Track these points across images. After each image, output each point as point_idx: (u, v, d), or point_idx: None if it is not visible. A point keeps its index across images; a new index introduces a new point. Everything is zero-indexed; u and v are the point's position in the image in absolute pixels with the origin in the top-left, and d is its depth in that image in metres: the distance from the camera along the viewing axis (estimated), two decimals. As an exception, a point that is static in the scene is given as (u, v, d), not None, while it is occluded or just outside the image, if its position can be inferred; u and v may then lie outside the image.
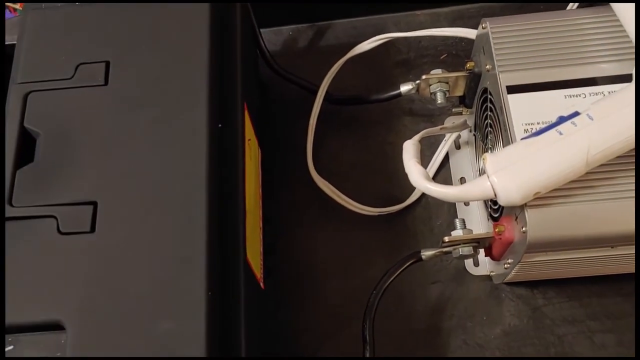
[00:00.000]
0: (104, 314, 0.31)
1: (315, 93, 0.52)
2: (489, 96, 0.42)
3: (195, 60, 0.37)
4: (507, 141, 0.38)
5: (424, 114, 0.54)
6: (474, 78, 0.45)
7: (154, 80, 0.37)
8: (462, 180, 0.51)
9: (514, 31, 0.41)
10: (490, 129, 0.43)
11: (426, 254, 0.42)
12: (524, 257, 0.38)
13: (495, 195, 0.35)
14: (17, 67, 0.38)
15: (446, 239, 0.41)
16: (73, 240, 0.33)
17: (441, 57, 0.56)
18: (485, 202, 0.47)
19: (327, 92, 0.52)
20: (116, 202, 0.34)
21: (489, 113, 0.43)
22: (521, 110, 0.38)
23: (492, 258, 0.43)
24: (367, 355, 0.39)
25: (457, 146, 0.52)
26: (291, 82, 0.52)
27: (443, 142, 0.51)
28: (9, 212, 0.34)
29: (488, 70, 0.41)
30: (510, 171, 0.35)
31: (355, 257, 0.49)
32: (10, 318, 0.31)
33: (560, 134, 0.34)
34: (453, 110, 0.50)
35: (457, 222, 0.42)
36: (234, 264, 0.34)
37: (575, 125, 0.34)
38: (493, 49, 0.40)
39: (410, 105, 0.54)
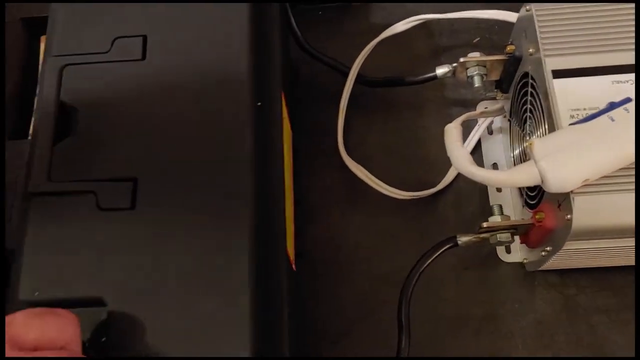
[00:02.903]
0: (145, 292, 0.31)
1: (346, 75, 0.51)
2: (530, 81, 0.41)
3: (236, 36, 0.36)
4: (552, 127, 0.37)
5: (456, 99, 0.53)
6: (513, 62, 0.44)
7: (192, 56, 0.36)
8: (495, 167, 0.50)
9: (560, 15, 0.40)
10: (530, 115, 0.42)
11: (462, 239, 0.41)
12: (566, 244, 0.37)
13: (543, 181, 0.34)
14: (51, 39, 0.37)
15: (484, 224, 0.40)
16: (113, 216, 0.32)
17: (474, 41, 0.55)
18: (520, 189, 0.46)
19: (358, 73, 0.51)
20: (156, 179, 0.33)
21: (529, 98, 0.42)
22: (567, 95, 0.38)
23: (528, 245, 0.42)
24: (404, 340, 0.39)
25: (490, 132, 0.51)
26: (322, 62, 0.51)
27: (476, 127, 0.50)
28: (48, 187, 0.33)
29: (531, 54, 0.41)
30: (559, 157, 0.34)
31: (384, 242, 0.49)
32: (51, 293, 0.31)
33: (612, 120, 0.33)
34: (487, 94, 0.49)
35: (495, 208, 0.42)
36: (276, 244, 0.34)
37: (628, 112, 0.33)
38: (538, 33, 0.39)
39: (442, 90, 0.53)
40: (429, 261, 0.41)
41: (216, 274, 0.31)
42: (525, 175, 0.35)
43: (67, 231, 0.32)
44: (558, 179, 0.34)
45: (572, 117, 0.37)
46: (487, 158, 0.50)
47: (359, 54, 0.52)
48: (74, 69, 0.36)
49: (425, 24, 0.55)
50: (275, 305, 0.32)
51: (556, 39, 0.39)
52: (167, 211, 0.32)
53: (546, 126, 0.39)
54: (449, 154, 0.39)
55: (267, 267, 0.32)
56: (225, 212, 0.32)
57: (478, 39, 0.55)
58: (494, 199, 0.49)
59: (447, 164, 0.51)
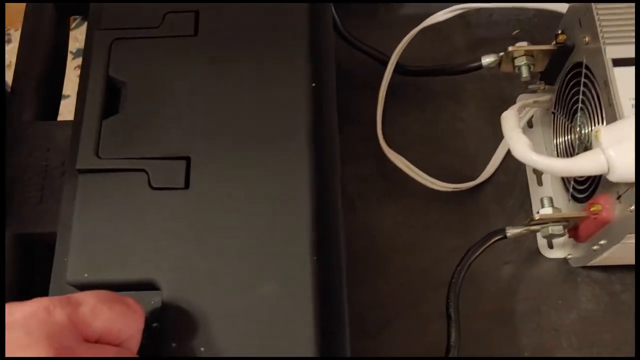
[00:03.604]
0: (200, 274, 0.29)
1: (384, 63, 0.50)
2: (584, 71, 0.40)
3: (293, 17, 0.35)
4: (612, 116, 0.36)
5: (495, 92, 0.52)
6: (562, 52, 0.43)
7: (246, 33, 0.35)
8: (535, 160, 0.49)
9: (619, 2, 0.39)
10: (582, 105, 0.41)
11: (511, 231, 0.40)
12: (626, 238, 0.36)
13: (609, 169, 0.33)
14: (97, 12, 0.36)
15: (536, 216, 0.39)
16: (166, 196, 0.31)
17: (513, 33, 0.54)
18: (565, 182, 0.45)
19: (397, 63, 0.49)
20: (211, 157, 0.32)
21: (582, 89, 0.41)
22: (627, 84, 0.37)
23: (578, 239, 0.41)
24: (453, 334, 0.38)
25: (530, 125, 0.50)
26: (361, 51, 0.50)
27: (516, 120, 0.49)
28: (96, 163, 0.32)
29: (586, 43, 0.40)
30: (626, 145, 0.33)
31: (423, 235, 0.47)
32: (102, 275, 0.29)
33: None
34: (529, 87, 0.48)
35: (545, 200, 0.41)
36: (333, 224, 0.32)
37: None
38: (597, 21, 0.38)
39: (480, 82, 0.52)
40: (478, 253, 0.40)
41: (276, 255, 0.30)
42: (589, 164, 0.34)
43: (117, 210, 0.31)
44: (625, 167, 0.33)
45: (632, 105, 0.36)
46: (528, 152, 0.49)
47: (394, 45, 0.50)
48: (123, 43, 0.35)
49: (463, 15, 0.53)
50: (335, 285, 0.31)
51: (616, 27, 0.38)
52: (223, 191, 0.31)
53: (603, 116, 0.38)
54: (507, 140, 0.37)
55: (326, 247, 0.31)
56: (283, 192, 0.31)
57: (517, 31, 0.54)
58: (534, 192, 0.48)
59: (486, 156, 0.50)
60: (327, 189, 0.32)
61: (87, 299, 0.25)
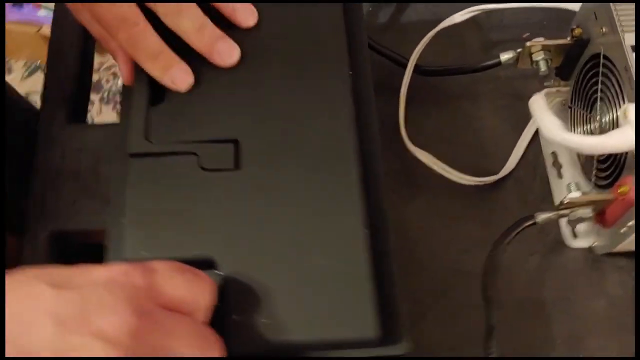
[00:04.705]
0: (256, 251, 0.30)
1: (401, 65, 0.51)
2: (602, 61, 0.42)
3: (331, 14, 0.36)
4: (632, 100, 0.38)
5: (509, 90, 0.54)
6: (577, 47, 0.45)
7: (290, 23, 0.36)
8: (554, 156, 0.50)
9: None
10: (602, 95, 0.43)
11: (541, 217, 0.41)
12: (655, 215, 0.37)
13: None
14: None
15: (565, 200, 0.40)
16: (217, 177, 0.32)
17: (523, 36, 0.56)
18: (584, 170, 0.46)
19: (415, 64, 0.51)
20: (258, 140, 0.33)
21: (600, 78, 0.43)
22: (647, 68, 0.38)
23: (605, 224, 0.42)
24: (493, 315, 0.38)
25: (546, 121, 0.51)
26: (380, 53, 0.51)
27: (532, 119, 0.51)
28: (147, 147, 0.32)
29: (603, 34, 0.41)
30: (655, 121, 0.34)
31: (449, 228, 0.48)
32: (160, 253, 0.30)
33: None
34: (545, 84, 0.50)
35: (572, 185, 0.42)
36: (377, 203, 0.33)
37: None
38: (614, 11, 0.40)
39: (495, 82, 0.54)
40: (510, 238, 0.41)
41: (328, 232, 0.30)
42: (620, 140, 0.35)
43: (169, 192, 0.32)
44: (656, 142, 0.34)
45: (654, 87, 0.37)
46: (546, 147, 0.50)
47: (410, 48, 0.52)
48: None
49: (475, 19, 0.56)
50: (387, 261, 0.31)
51: (632, 16, 0.40)
52: (273, 171, 0.32)
53: (625, 100, 0.39)
54: (538, 122, 0.39)
55: (376, 223, 0.32)
56: (332, 170, 0.31)
57: (528, 34, 0.55)
58: (555, 185, 0.49)
59: (505, 152, 0.51)
60: (371, 162, 0.33)
61: (162, 266, 0.25)
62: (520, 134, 0.51)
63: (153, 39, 0.32)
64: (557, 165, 0.50)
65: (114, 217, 0.31)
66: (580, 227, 0.47)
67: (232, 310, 0.28)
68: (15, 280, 0.23)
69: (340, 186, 0.31)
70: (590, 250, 0.46)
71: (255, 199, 0.31)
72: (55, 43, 0.47)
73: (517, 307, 0.45)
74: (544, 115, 0.38)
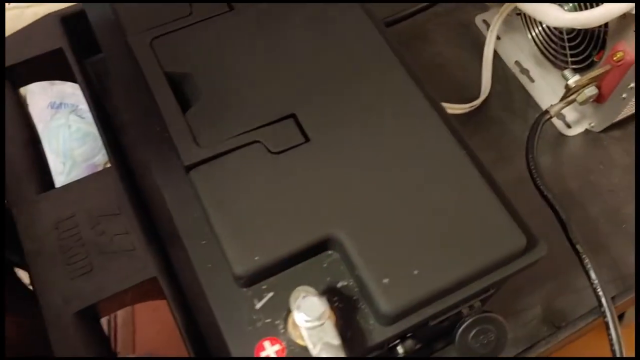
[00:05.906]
0: (380, 211, 0.28)
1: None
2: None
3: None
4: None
5: (453, 20, 0.55)
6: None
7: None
8: (518, 64, 0.52)
9: None
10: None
11: (553, 109, 0.43)
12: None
13: (637, 1, 0.37)
14: (125, 21, 0.33)
15: (571, 84, 0.42)
16: (294, 154, 0.29)
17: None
18: (555, 65, 0.48)
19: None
20: (314, 108, 0.31)
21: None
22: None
23: (604, 98, 0.45)
24: (559, 209, 0.39)
25: (498, 37, 0.54)
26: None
27: (486, 42, 0.52)
28: (203, 153, 0.29)
29: None
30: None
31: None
32: (273, 252, 0.27)
33: None
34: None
35: (567, 73, 0.44)
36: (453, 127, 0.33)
37: None
38: None
39: (437, 18, 0.55)
40: (536, 138, 0.42)
41: (435, 170, 0.29)
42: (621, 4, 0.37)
43: (246, 187, 0.28)
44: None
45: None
46: (509, 60, 0.53)
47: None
48: (163, 40, 0.32)
49: None
50: (491, 178, 0.31)
51: None
52: (346, 133, 0.30)
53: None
54: (536, 14, 0.40)
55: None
56: (406, 112, 0.30)
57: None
58: (532, 89, 0.51)
59: (475, 77, 0.53)
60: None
61: None
62: (481, 56, 0.53)
63: None
64: (525, 71, 0.52)
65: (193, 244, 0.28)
66: (570, 116, 0.49)
67: (379, 277, 0.26)
68: None
69: (422, 124, 0.30)
70: (587, 132, 0.49)
71: (348, 162, 0.29)
72: None
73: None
74: (542, 7, 0.39)
